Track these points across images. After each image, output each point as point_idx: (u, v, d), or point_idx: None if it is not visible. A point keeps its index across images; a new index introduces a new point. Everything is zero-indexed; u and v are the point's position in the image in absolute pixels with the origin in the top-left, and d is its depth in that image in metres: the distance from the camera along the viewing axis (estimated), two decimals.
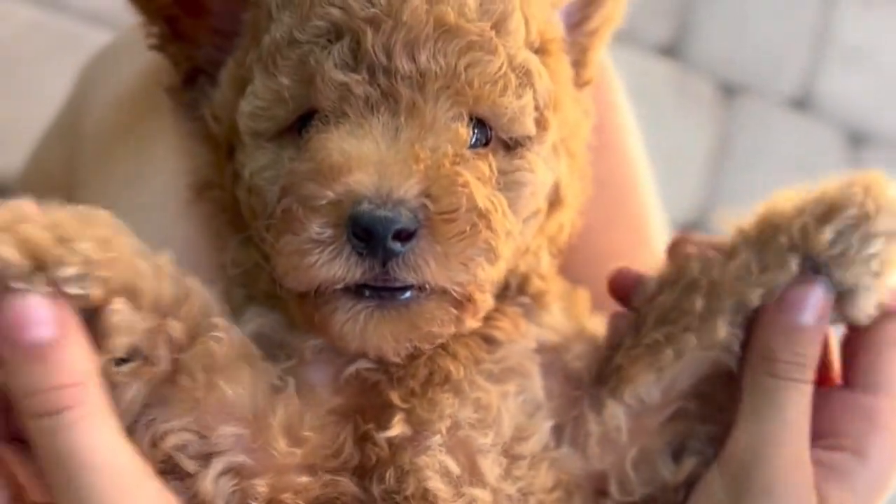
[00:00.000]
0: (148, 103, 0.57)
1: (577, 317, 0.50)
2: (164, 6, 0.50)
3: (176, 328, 0.41)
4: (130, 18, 0.52)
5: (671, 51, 1.57)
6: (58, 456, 0.37)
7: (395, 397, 0.45)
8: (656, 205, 0.63)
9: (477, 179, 0.42)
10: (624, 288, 0.49)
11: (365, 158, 0.41)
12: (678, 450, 0.47)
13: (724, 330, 0.45)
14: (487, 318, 0.46)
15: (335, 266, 0.41)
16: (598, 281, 0.51)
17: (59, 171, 0.66)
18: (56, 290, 0.37)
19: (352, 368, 0.45)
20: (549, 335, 0.48)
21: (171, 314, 0.41)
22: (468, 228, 0.41)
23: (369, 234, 0.40)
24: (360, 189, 0.40)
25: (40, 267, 0.37)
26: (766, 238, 0.45)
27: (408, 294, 0.42)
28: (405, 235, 0.40)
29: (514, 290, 0.49)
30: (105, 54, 0.66)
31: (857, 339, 0.46)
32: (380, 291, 0.42)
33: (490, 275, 0.43)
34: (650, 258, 0.51)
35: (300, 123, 0.45)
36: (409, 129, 0.42)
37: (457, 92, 0.43)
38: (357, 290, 0.42)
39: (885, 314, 0.44)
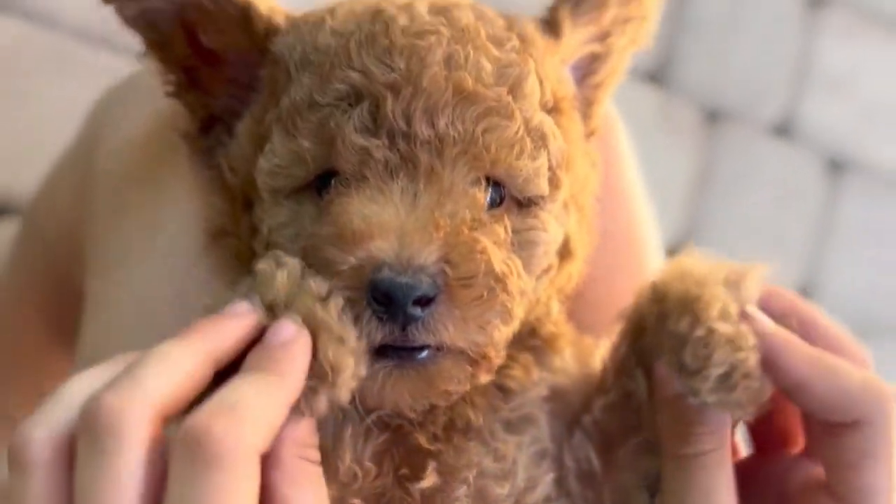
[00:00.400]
0: (163, 145, 0.57)
1: (584, 361, 0.51)
2: (183, 57, 0.51)
3: None
4: (121, 35, 0.52)
5: (655, 77, 1.59)
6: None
7: (422, 440, 0.46)
8: (658, 251, 0.64)
9: (494, 244, 0.44)
10: None
11: (386, 225, 0.42)
12: (655, 484, 0.47)
13: (623, 347, 0.47)
14: (501, 367, 0.47)
15: (355, 329, 0.42)
16: (600, 328, 0.52)
17: (66, 204, 0.67)
18: None
19: (373, 416, 0.46)
20: (560, 380, 0.49)
21: None
22: (486, 293, 0.43)
23: (390, 300, 0.41)
24: (381, 255, 0.41)
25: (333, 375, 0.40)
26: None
27: (425, 354, 0.43)
28: (425, 301, 0.41)
29: (525, 335, 0.50)
30: (120, 90, 0.66)
31: (834, 449, 0.44)
32: (398, 352, 0.43)
33: (505, 335, 0.45)
34: None
35: (318, 181, 0.46)
36: (427, 194, 0.43)
37: (474, 157, 0.44)
38: (376, 351, 0.43)
39: (854, 423, 0.42)
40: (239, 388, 0.37)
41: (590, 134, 0.54)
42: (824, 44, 1.67)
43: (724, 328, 0.41)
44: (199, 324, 0.40)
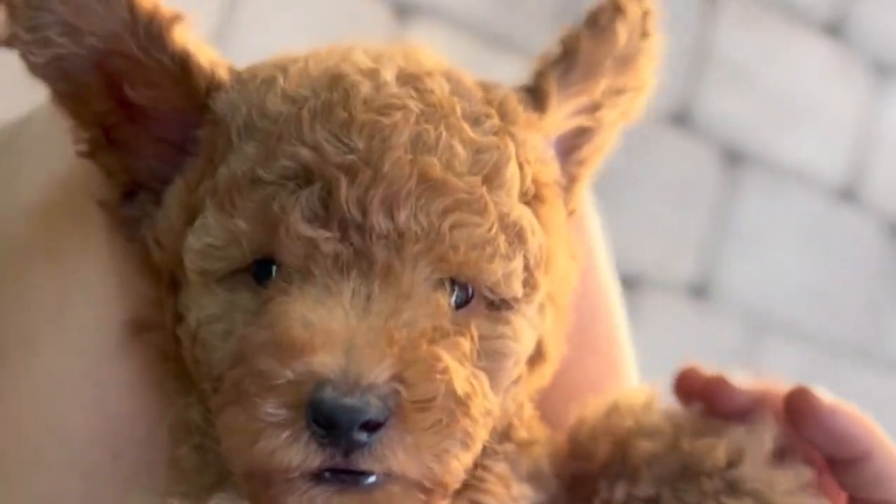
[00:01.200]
0: (67, 215, 0.50)
1: (560, 465, 0.47)
2: (102, 112, 0.44)
3: None
4: None
5: None
6: None
7: None
8: (624, 324, 0.60)
9: (457, 360, 0.39)
10: (689, 392, 0.48)
11: (332, 335, 0.37)
12: None
13: (620, 491, 0.46)
14: (477, 481, 0.43)
15: (290, 452, 0.37)
16: (573, 413, 0.49)
17: None
18: None
19: None
20: (539, 493, 0.45)
21: None
22: (445, 418, 0.38)
23: (332, 424, 0.36)
24: (325, 371, 0.36)
25: None
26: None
27: (372, 479, 0.38)
28: (373, 425, 0.36)
29: (496, 439, 0.45)
30: (6, 147, 0.56)
31: (853, 477, 0.45)
32: (340, 475, 0.38)
33: (466, 462, 0.40)
34: (621, 385, 0.50)
35: (256, 266, 0.41)
36: (382, 297, 0.38)
37: (439, 256, 0.39)
38: (314, 474, 0.38)
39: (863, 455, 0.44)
40: None
41: (569, 213, 0.49)
42: (722, 32, 1.67)
43: None
44: None
